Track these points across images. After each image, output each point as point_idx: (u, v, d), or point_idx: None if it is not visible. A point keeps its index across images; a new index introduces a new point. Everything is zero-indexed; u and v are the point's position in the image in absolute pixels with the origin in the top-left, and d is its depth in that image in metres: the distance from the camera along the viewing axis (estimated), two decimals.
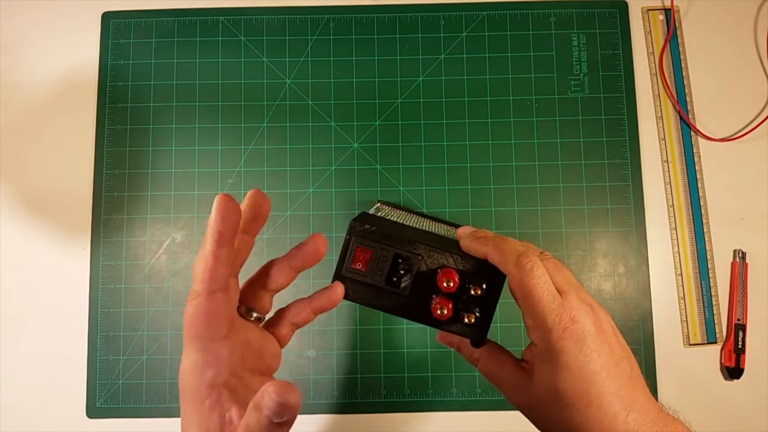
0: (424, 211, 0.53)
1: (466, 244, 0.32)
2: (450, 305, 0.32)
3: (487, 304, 0.32)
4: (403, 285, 0.32)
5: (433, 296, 0.32)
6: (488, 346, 0.34)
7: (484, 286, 0.32)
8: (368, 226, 0.32)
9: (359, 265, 0.32)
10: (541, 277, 0.29)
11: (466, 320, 0.31)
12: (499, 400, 0.51)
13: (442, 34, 0.56)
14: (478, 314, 0.32)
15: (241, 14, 0.56)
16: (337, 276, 0.32)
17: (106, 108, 0.55)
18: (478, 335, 0.32)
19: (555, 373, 0.29)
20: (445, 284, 0.31)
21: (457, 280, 0.31)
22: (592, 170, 0.54)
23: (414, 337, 0.52)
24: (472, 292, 0.31)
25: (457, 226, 0.51)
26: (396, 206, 0.52)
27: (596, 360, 0.28)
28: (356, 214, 0.35)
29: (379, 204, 0.52)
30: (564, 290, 0.30)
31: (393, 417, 0.51)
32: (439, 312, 0.31)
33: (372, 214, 0.39)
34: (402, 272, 0.32)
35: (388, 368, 0.51)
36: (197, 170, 0.54)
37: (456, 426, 0.51)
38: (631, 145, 0.55)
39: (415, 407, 0.51)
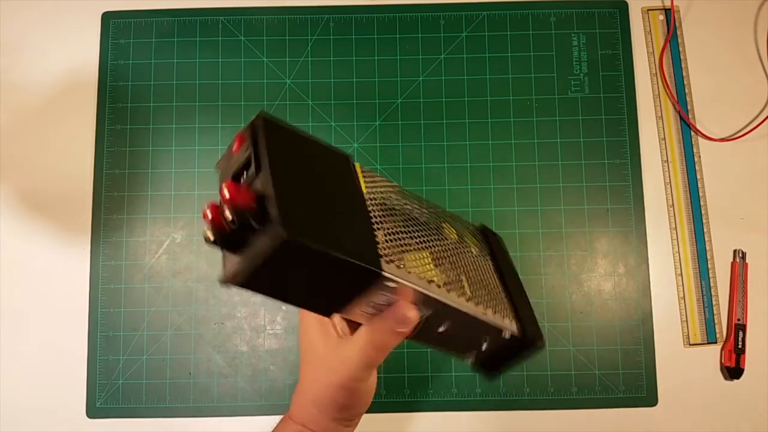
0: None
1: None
2: (215, 210, 0.24)
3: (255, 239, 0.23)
4: (246, 174, 0.26)
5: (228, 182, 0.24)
6: None
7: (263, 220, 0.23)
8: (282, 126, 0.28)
9: (234, 147, 0.27)
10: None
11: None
12: (499, 400, 0.51)
13: (442, 34, 0.56)
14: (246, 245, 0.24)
15: (241, 14, 0.56)
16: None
17: (106, 108, 0.55)
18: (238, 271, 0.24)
19: None
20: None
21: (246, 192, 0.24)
22: (592, 170, 0.54)
23: None
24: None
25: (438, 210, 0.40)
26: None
27: None
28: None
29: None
30: None
31: (393, 417, 0.51)
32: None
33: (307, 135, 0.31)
34: (257, 170, 0.25)
35: (387, 368, 0.51)
36: (197, 170, 0.54)
37: (456, 426, 0.51)
38: (631, 145, 0.55)
39: (415, 407, 0.51)
